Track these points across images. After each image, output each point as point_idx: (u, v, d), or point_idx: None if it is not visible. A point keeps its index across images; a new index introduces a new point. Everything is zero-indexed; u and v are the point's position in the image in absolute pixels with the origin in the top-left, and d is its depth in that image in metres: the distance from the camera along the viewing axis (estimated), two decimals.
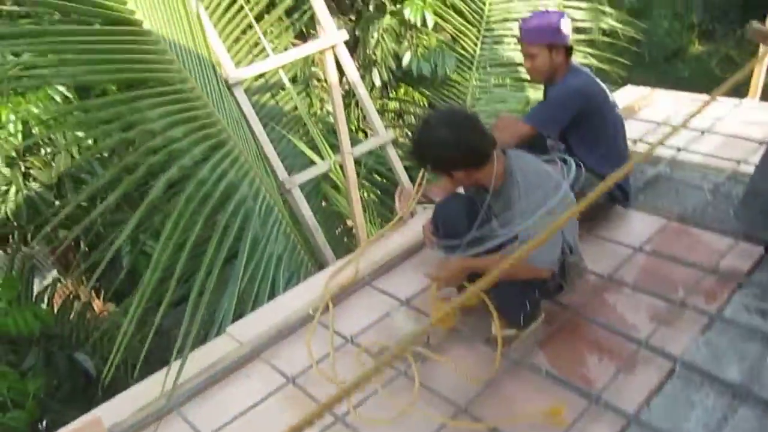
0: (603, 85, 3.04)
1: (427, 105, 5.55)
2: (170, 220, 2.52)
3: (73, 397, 3.46)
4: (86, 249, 4.84)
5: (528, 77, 5.13)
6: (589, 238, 2.91)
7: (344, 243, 4.12)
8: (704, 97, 4.49)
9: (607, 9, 5.20)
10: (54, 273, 5.28)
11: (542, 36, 2.89)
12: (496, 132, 2.58)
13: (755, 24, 3.11)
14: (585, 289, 2.60)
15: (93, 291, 4.84)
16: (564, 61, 2.94)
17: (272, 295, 2.94)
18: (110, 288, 4.45)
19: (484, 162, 2.20)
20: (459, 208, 2.42)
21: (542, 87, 3.22)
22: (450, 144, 2.14)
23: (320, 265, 3.55)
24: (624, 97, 4.45)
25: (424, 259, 2.96)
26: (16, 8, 3.73)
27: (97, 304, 4.95)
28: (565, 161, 2.41)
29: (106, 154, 4.31)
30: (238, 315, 2.80)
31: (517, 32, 5.21)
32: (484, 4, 5.25)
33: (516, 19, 5.28)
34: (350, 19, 5.48)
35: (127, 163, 2.66)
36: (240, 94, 3.51)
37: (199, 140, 2.85)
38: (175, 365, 2.38)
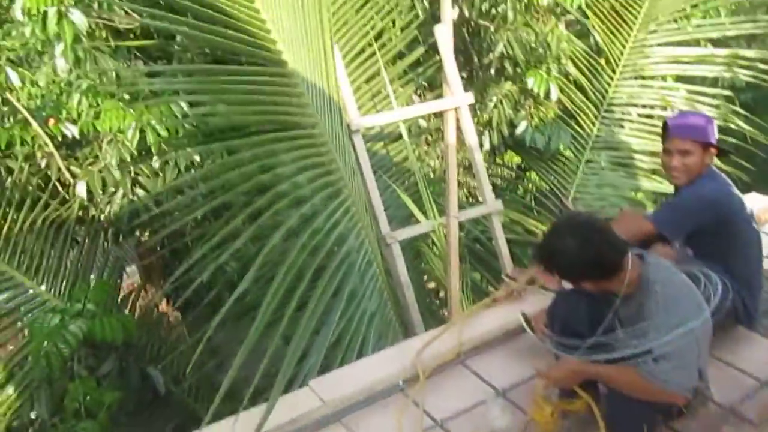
0: (739, 193, 2.85)
1: (531, 176, 5.42)
2: (283, 267, 2.47)
3: (139, 411, 3.45)
4: (170, 258, 4.94)
5: (638, 163, 4.99)
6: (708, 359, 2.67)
7: (430, 306, 3.99)
8: None
9: (739, 110, 4.96)
10: (137, 278, 5.39)
11: (700, 133, 2.75)
12: (617, 225, 2.46)
13: None
14: (704, 419, 2.36)
15: (167, 299, 4.89)
16: (708, 165, 2.79)
17: (360, 354, 2.84)
18: (181, 297, 4.50)
19: (614, 273, 2.07)
20: (582, 307, 2.27)
21: (665, 181, 3.07)
22: (579, 256, 2.04)
23: (406, 327, 3.44)
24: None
25: (525, 347, 2.79)
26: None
27: (169, 312, 4.99)
28: (709, 279, 2.23)
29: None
30: (323, 368, 2.70)
31: (636, 118, 5.13)
32: (609, 85, 5.12)
33: (640, 105, 5.12)
34: (463, 77, 5.45)
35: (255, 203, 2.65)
36: (359, 141, 3.48)
37: (321, 188, 2.83)
38: (253, 412, 2.31)
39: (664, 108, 5.05)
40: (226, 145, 2.86)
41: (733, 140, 4.94)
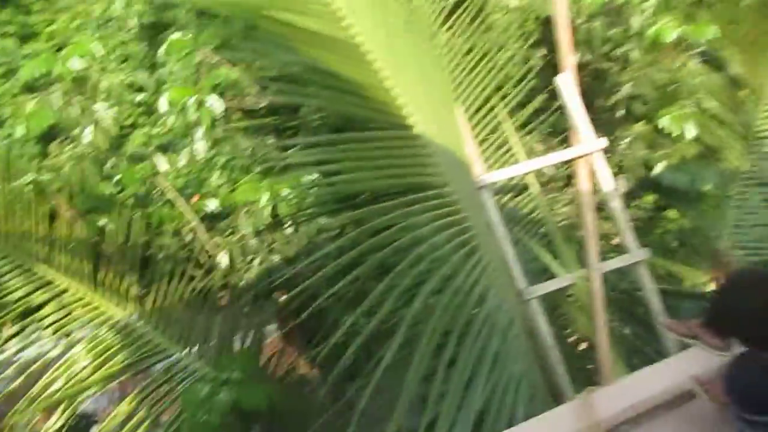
0: None
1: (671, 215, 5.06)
2: (428, 328, 2.42)
3: None
4: (307, 320, 5.04)
5: None
6: None
7: (577, 366, 3.74)
8: None
9: None
10: (275, 337, 5.55)
11: None
12: None
13: None
14: None
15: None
16: None
17: (511, 423, 2.68)
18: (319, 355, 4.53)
19: None
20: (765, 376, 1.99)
21: None
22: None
23: (552, 391, 3.23)
24: None
25: (693, 415, 2.51)
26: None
27: (308, 371, 5.05)
28: None
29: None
30: None
31: None
32: (753, 116, 4.72)
33: None
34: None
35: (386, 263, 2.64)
36: (487, 196, 3.41)
37: (457, 247, 2.77)
38: None
39: None
40: (361, 212, 2.87)
41: None
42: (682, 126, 4.35)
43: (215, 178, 5.03)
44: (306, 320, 4.88)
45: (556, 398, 2.92)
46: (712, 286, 4.08)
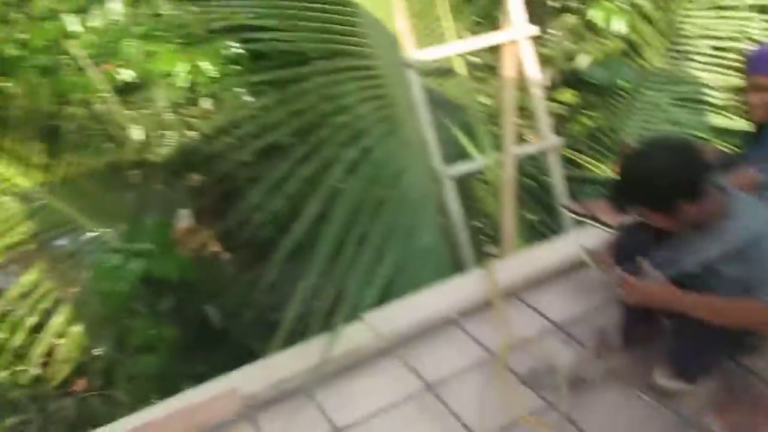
0: None
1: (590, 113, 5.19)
2: (344, 198, 2.43)
3: (197, 348, 3.53)
4: (222, 200, 4.98)
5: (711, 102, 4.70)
6: None
7: (482, 244, 3.90)
8: None
9: None
10: (190, 219, 5.47)
11: None
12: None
13: None
14: None
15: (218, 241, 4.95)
16: None
17: (416, 290, 2.79)
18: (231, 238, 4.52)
19: (700, 199, 1.88)
20: (648, 240, 2.13)
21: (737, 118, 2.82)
22: (674, 174, 1.85)
23: (458, 265, 3.38)
24: None
25: (585, 283, 2.69)
26: None
27: (221, 253, 5.06)
28: None
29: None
30: (378, 303, 2.67)
31: (708, 51, 4.81)
32: (679, 16, 4.79)
33: (712, 37, 4.79)
34: None
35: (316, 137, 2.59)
36: (413, 74, 3.37)
37: (380, 120, 2.75)
38: (311, 343, 2.31)
39: (739, 40, 4.71)
40: (285, 72, 2.75)
41: None
42: (610, 20, 4.37)
43: (131, 46, 4.70)
44: (221, 200, 4.84)
45: (460, 270, 3.06)
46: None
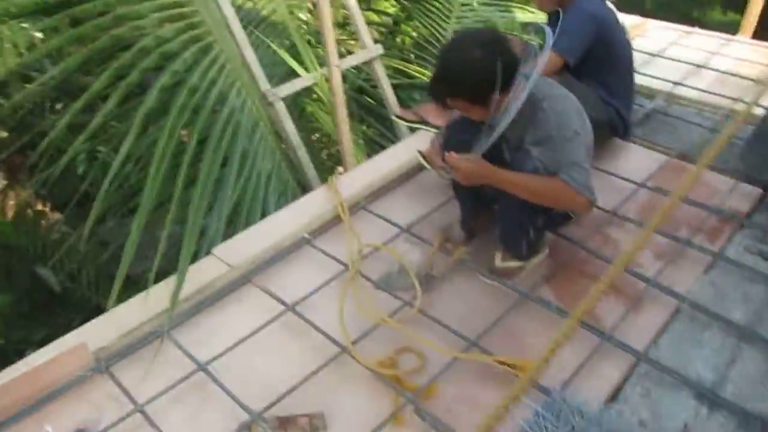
0: (614, 10, 2.90)
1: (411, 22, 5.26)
2: (164, 131, 2.27)
3: (35, 313, 3.27)
4: (32, 154, 4.50)
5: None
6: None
7: (324, 163, 3.94)
8: (697, 30, 4.42)
9: None
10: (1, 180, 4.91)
11: None
12: None
13: None
14: (589, 223, 2.55)
15: (41, 200, 4.53)
16: None
17: (263, 216, 2.77)
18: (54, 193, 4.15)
19: (511, 86, 2.03)
20: (474, 132, 2.26)
21: (537, 12, 3.03)
22: (487, 66, 1.94)
23: (303, 186, 3.39)
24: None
25: (424, 185, 2.83)
26: None
27: (47, 212, 4.65)
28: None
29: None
30: (228, 237, 2.61)
31: None
32: None
33: None
34: None
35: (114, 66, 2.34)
36: None
37: (188, 42, 2.56)
38: (160, 287, 2.23)
39: None
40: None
41: None
42: None
43: None
44: (32, 154, 4.36)
45: (305, 192, 3.06)
46: None
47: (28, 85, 3.70)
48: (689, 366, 1.99)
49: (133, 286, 2.66)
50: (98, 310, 3.63)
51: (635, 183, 2.80)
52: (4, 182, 4.42)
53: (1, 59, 3.88)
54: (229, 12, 3.10)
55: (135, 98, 2.53)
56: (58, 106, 4.17)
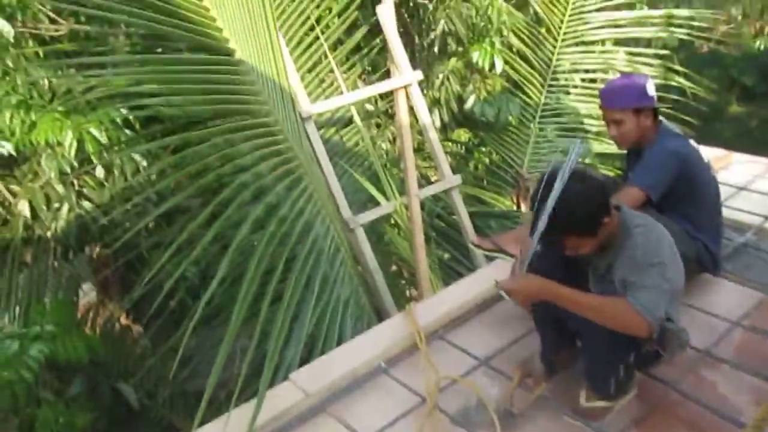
0: (696, 145, 2.91)
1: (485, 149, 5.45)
2: (254, 258, 2.38)
3: (115, 429, 3.31)
4: (126, 271, 4.75)
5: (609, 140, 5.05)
6: (680, 307, 2.72)
7: (401, 288, 3.96)
8: None
9: (678, 67, 5.09)
10: (93, 295, 5.18)
11: (628, 100, 2.76)
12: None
13: None
14: (681, 364, 2.40)
15: (127, 314, 4.73)
16: (652, 124, 2.81)
17: (340, 342, 2.78)
18: (141, 310, 4.32)
19: (607, 221, 2.06)
20: (558, 264, 2.25)
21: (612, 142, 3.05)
22: (589, 199, 2.00)
23: (378, 312, 3.40)
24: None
25: (502, 316, 2.79)
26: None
27: (131, 326, 4.83)
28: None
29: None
30: (303, 362, 2.63)
31: (580, 83, 5.21)
32: (552, 53, 5.18)
33: (582, 70, 5.21)
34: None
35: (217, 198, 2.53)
36: (312, 128, 3.42)
37: (282, 176, 2.75)
38: (237, 412, 2.23)
39: (607, 71, 5.15)
40: (179, 138, 2.69)
41: (675, 97, 5.07)
42: (491, 61, 4.65)
43: (8, 117, 4.43)
44: (125, 271, 4.61)
45: (381, 317, 3.08)
46: (515, 208, 4.50)
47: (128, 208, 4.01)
48: None
49: (207, 405, 2.68)
50: (170, 429, 3.66)
51: (729, 321, 2.66)
52: (98, 298, 4.67)
53: (110, 185, 4.24)
54: (319, 147, 3.31)
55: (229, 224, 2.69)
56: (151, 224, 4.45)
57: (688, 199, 2.77)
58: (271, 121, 2.93)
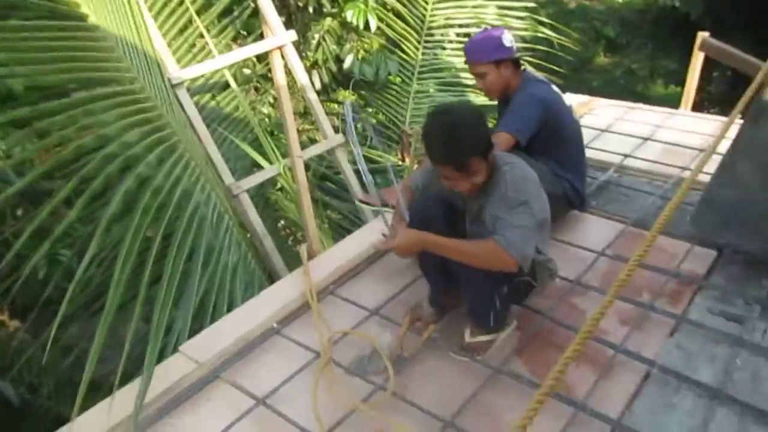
0: (559, 91, 3.07)
1: (371, 110, 5.48)
2: (129, 232, 2.27)
3: None
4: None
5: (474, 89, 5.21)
6: (549, 240, 2.90)
7: (292, 251, 3.95)
8: (641, 105, 4.67)
9: (545, 19, 5.31)
10: None
11: (487, 54, 2.89)
12: None
13: (708, 38, 3.21)
14: (554, 294, 2.59)
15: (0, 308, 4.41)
16: (513, 74, 2.94)
17: (231, 309, 2.74)
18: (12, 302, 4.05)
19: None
20: (438, 207, 2.32)
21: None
22: (482, 127, 2.08)
23: (270, 275, 3.39)
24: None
25: (389, 267, 2.86)
26: None
27: (6, 320, 4.52)
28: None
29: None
30: (194, 332, 2.57)
31: (455, 38, 5.34)
32: (425, 9, 5.25)
33: (456, 25, 5.32)
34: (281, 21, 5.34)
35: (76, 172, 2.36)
36: (183, 94, 3.31)
37: (153, 145, 2.62)
38: (125, 391, 2.17)
39: (479, 26, 5.29)
40: (29, 111, 2.48)
41: (545, 48, 5.30)
42: (365, 19, 4.65)
43: None
44: None
45: (273, 280, 3.07)
46: (400, 162, 4.59)
47: None
48: (665, 431, 1.99)
49: (96, 392, 2.57)
50: (59, 422, 3.49)
51: (595, 252, 2.88)
52: None
53: None
54: (193, 113, 3.20)
55: (98, 200, 2.54)
56: (19, 212, 4.15)
57: (553, 142, 2.93)
58: (136, 89, 2.78)
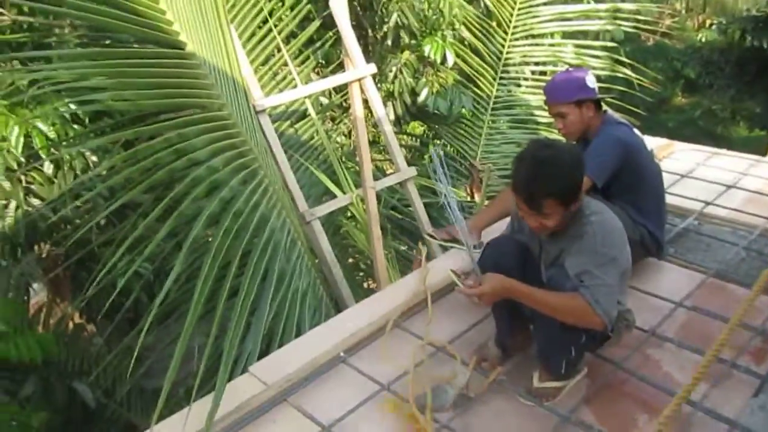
0: (640, 134, 3.02)
1: (439, 142, 5.52)
2: (209, 254, 2.36)
3: (71, 429, 3.26)
4: (77, 269, 4.64)
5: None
6: (626, 289, 2.83)
7: (358, 280, 4.00)
8: (724, 151, 4.52)
9: (623, 58, 5.24)
10: (44, 294, 5.05)
11: (569, 94, 2.86)
12: None
13: None
14: (628, 344, 2.51)
15: (80, 313, 4.63)
16: (595, 115, 2.91)
17: (298, 333, 2.79)
18: (93, 309, 4.24)
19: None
20: (512, 250, 2.32)
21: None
22: (575, 174, 2.05)
23: (336, 303, 3.43)
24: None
25: (456, 304, 2.85)
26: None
27: (85, 325, 4.73)
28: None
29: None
30: (262, 354, 2.63)
31: (530, 76, 5.33)
32: (502, 46, 5.28)
33: (532, 63, 5.32)
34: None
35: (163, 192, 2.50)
36: (266, 121, 3.42)
37: (236, 170, 2.73)
38: (196, 406, 2.22)
39: (556, 64, 5.27)
40: (130, 132, 2.64)
41: (622, 88, 5.22)
42: (443, 54, 4.72)
43: None
44: (76, 270, 4.50)
45: (339, 308, 3.10)
46: (469, 198, 4.59)
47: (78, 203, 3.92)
48: None
49: (166, 402, 2.65)
50: (128, 428, 3.61)
51: (673, 302, 2.78)
52: (49, 297, 4.56)
53: (59, 181, 4.13)
54: (274, 139, 3.31)
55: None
56: (102, 221, 4.36)
57: (633, 186, 2.87)
58: (225, 115, 2.91)
